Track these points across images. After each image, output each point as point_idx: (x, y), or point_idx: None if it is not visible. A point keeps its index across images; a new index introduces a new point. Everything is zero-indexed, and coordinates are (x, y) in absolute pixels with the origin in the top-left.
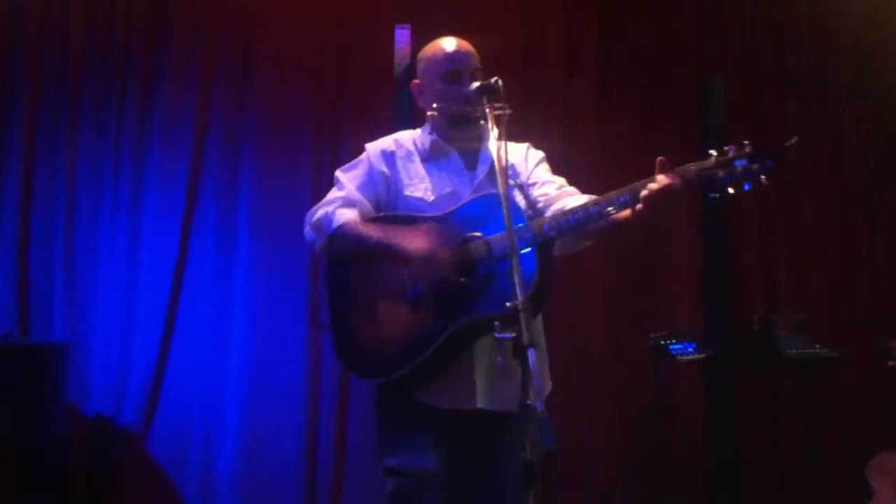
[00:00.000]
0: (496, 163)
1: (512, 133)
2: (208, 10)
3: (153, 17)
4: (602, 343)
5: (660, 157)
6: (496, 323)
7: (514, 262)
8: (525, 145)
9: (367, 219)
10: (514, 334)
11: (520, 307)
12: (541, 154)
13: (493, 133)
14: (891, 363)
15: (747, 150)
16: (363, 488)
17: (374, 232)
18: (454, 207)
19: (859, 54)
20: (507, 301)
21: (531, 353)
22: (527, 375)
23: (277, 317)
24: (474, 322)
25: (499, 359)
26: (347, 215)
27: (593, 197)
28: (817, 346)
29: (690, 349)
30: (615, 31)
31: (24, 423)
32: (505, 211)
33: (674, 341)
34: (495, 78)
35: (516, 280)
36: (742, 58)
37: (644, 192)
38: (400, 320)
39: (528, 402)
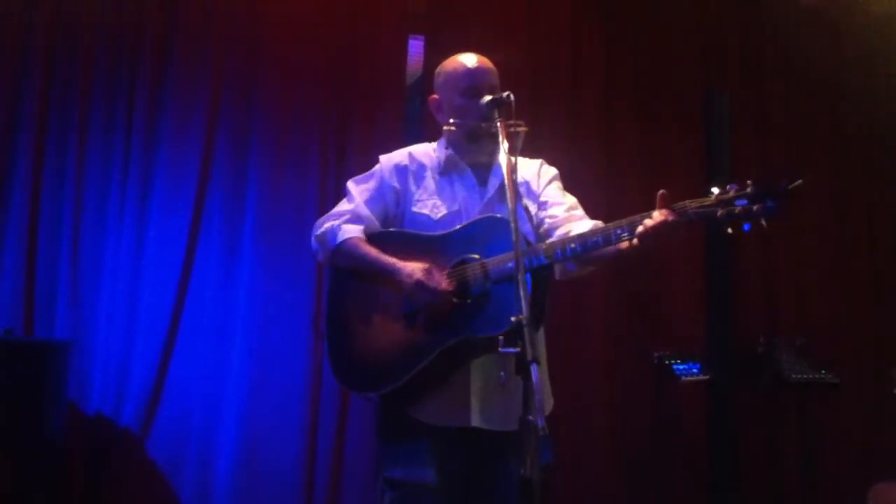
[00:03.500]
0: (505, 177)
1: (521, 145)
2: (216, 15)
3: (162, 22)
4: (603, 361)
5: (661, 192)
6: (500, 338)
7: (520, 277)
8: (538, 162)
9: (371, 234)
10: (517, 349)
11: (524, 322)
12: (554, 171)
13: (504, 146)
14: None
15: (749, 189)
16: (360, 496)
17: (373, 253)
18: (455, 228)
19: (865, 68)
20: (500, 323)
21: (534, 369)
22: (529, 391)
23: (280, 322)
24: (465, 342)
25: (501, 373)
26: (352, 231)
27: (596, 223)
28: (823, 371)
29: (695, 370)
30: (621, 46)
31: (23, 420)
32: (513, 224)
33: (678, 361)
34: (507, 92)
35: (521, 295)
36: (747, 73)
37: (640, 229)
38: (393, 336)
39: (530, 417)
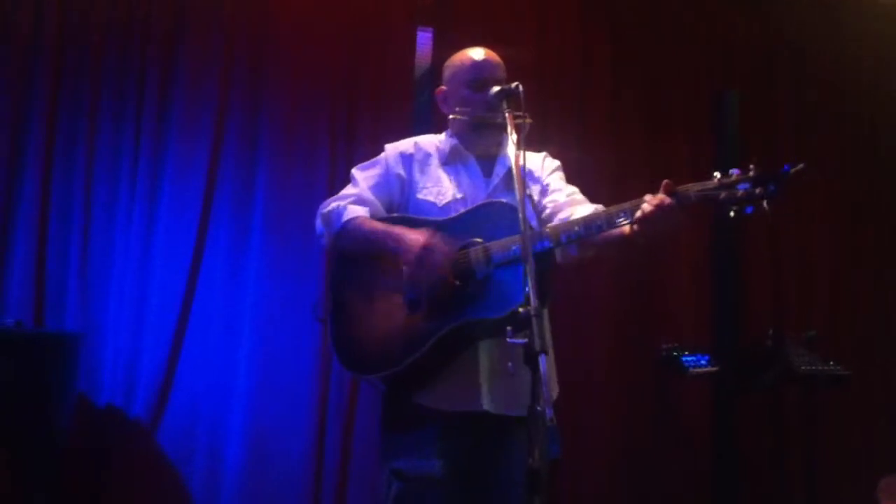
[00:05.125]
0: (514, 168)
1: (528, 141)
2: (225, 9)
3: (172, 17)
4: (607, 354)
5: (665, 181)
6: (508, 328)
7: (528, 268)
8: (542, 154)
9: (376, 219)
10: (525, 339)
11: (532, 312)
12: (556, 163)
13: (512, 138)
14: None
15: (751, 173)
16: (367, 490)
17: (380, 226)
18: (459, 213)
19: (874, 65)
20: (504, 306)
21: (542, 360)
22: (537, 381)
23: (288, 316)
24: (469, 324)
25: (509, 364)
26: (357, 211)
27: (597, 207)
28: (831, 362)
29: (703, 361)
30: (630, 44)
31: (33, 411)
32: (521, 215)
33: (686, 353)
34: (516, 83)
35: (530, 285)
36: (757, 73)
37: (638, 214)
38: (396, 320)
39: (538, 408)
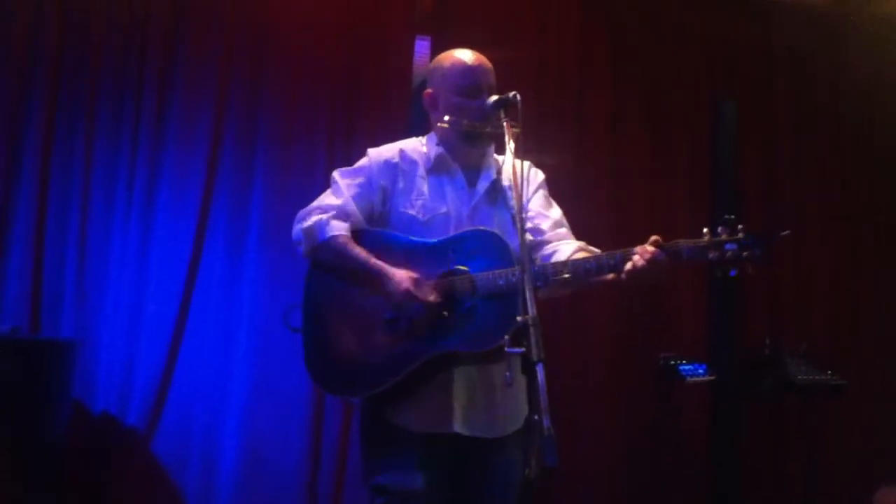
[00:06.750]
0: (512, 178)
1: (525, 142)
2: (224, 17)
3: (172, 17)
4: (606, 364)
5: (653, 237)
6: (506, 337)
7: (525, 278)
8: (526, 164)
9: (356, 231)
10: (523, 349)
11: (530, 322)
12: (541, 177)
13: (511, 147)
14: None
15: (739, 235)
16: (363, 496)
17: (362, 255)
18: (443, 238)
19: (871, 72)
20: (484, 341)
21: (539, 369)
22: (535, 391)
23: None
24: (448, 355)
25: (507, 374)
26: (340, 229)
27: (580, 245)
28: (829, 372)
29: (701, 370)
30: (630, 44)
31: (28, 418)
32: (519, 226)
33: (683, 362)
34: (513, 92)
35: (527, 296)
36: (757, 73)
37: (628, 265)
38: (373, 341)
39: (535, 417)
